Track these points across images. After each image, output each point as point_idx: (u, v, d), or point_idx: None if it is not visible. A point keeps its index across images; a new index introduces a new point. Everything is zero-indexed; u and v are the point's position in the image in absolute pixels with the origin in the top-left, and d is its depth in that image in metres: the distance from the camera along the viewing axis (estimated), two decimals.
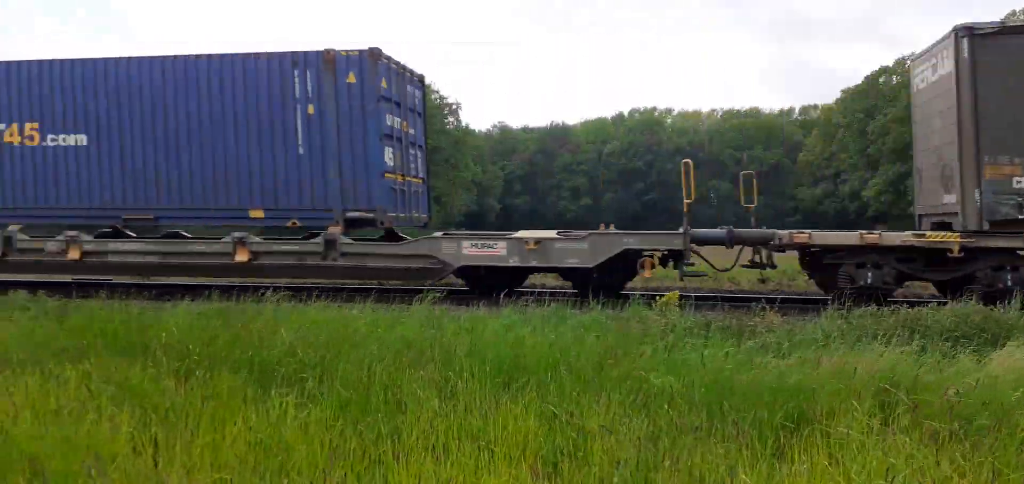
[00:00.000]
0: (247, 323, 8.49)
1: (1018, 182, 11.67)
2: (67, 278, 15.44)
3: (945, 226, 12.67)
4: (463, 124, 60.22)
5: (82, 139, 14.49)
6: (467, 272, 13.99)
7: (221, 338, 7.79)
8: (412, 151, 15.28)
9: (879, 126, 55.31)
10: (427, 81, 16.73)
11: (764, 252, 13.08)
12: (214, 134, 14.10)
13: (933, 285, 13.32)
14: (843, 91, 63.79)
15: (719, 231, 13.23)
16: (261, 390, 6.12)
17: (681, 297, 11.85)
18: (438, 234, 13.87)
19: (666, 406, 5.53)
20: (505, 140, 77.41)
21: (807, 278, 14.28)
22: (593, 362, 6.72)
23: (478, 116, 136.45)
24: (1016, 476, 4.51)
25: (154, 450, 4.75)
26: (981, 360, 7.04)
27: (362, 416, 5.45)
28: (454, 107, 58.22)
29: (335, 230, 13.72)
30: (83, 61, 14.52)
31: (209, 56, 14.10)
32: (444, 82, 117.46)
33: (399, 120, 14.55)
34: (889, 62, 65.85)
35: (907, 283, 13.21)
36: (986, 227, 11.74)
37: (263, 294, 11.57)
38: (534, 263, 13.25)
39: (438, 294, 11.83)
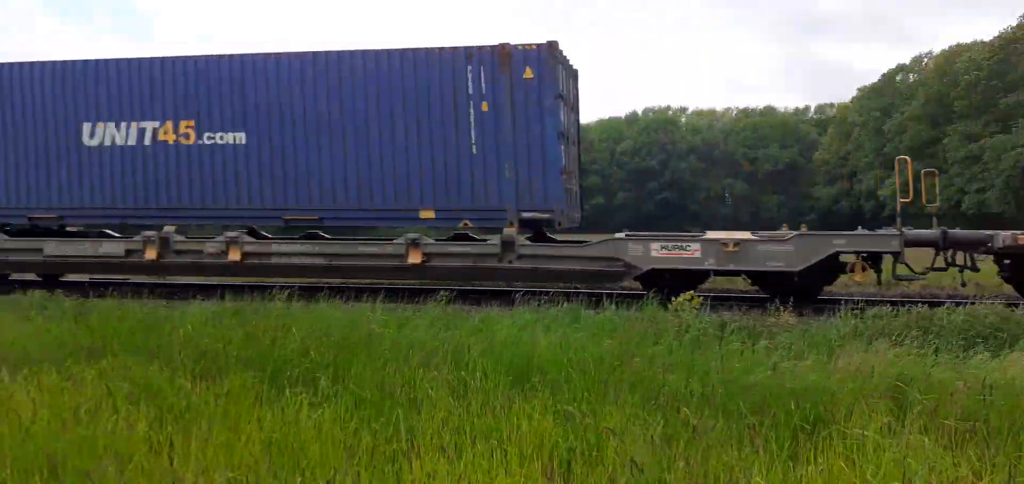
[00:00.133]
0: (260, 323, 8.54)
1: None
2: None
3: None
4: None
5: (240, 137, 14.04)
6: (650, 275, 13.09)
7: (235, 338, 7.83)
8: (573, 149, 14.85)
9: (896, 124, 54.88)
10: None
11: (969, 255, 12.27)
12: (381, 132, 13.62)
13: None
14: (859, 89, 63.31)
15: (933, 232, 12.41)
16: (275, 389, 6.15)
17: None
18: (621, 235, 13.24)
19: (681, 407, 5.50)
20: None
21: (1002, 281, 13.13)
22: (608, 362, 6.70)
23: None
24: None
25: (170, 449, 4.78)
26: (998, 360, 6.96)
27: (376, 415, 5.47)
28: None
29: (511, 231, 13.21)
30: (242, 57, 14.10)
31: (376, 51, 13.65)
32: None
33: (567, 117, 14.09)
34: (906, 60, 65.28)
35: None
36: None
37: (272, 293, 11.61)
38: (731, 266, 12.50)
39: (448, 294, 11.77)
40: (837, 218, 57.48)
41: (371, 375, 6.38)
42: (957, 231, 12.59)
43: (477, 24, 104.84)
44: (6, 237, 14.94)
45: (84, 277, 15.96)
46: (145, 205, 14.43)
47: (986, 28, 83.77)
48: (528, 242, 13.44)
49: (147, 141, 14.29)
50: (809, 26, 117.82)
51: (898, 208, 12.57)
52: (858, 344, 7.74)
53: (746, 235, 12.94)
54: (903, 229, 12.27)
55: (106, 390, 5.92)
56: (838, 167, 63.98)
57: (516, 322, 9.42)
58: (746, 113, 76.94)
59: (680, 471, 4.40)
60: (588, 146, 74.44)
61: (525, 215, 13.33)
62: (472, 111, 13.32)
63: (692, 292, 10.14)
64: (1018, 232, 12.08)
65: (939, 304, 10.04)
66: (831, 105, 74.79)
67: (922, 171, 13.38)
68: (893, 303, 10.46)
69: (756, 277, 12.97)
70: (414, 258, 13.44)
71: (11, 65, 14.84)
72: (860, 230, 12.98)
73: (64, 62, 14.62)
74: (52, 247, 14.70)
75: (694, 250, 12.60)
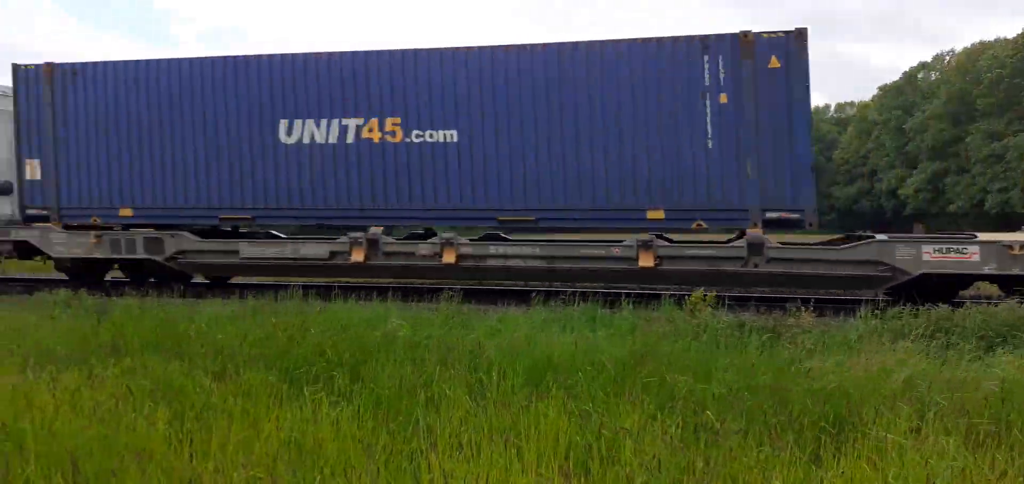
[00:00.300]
0: (278, 321, 8.60)
1: None
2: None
3: None
4: None
5: (452, 135, 13.31)
6: (918, 281, 11.92)
7: (253, 336, 7.90)
8: None
9: (918, 123, 54.32)
10: None
11: None
12: (606, 127, 12.78)
13: None
14: (880, 88, 62.71)
15: None
16: (292, 388, 6.20)
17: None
18: (883, 237, 12.20)
19: (700, 408, 5.48)
20: None
21: None
22: (625, 362, 6.68)
23: None
24: None
25: (190, 446, 4.83)
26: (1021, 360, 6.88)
27: (393, 414, 5.49)
28: None
29: (757, 232, 12.33)
30: (454, 51, 13.44)
31: (601, 42, 12.85)
32: None
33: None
34: (928, 58, 64.57)
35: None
36: None
37: (288, 292, 11.67)
38: (1017, 271, 11.39)
39: (456, 294, 11.75)
40: (857, 218, 56.98)
41: (388, 374, 6.40)
42: None
43: (477, 24, 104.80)
44: (197, 238, 14.31)
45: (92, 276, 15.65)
46: (347, 206, 13.76)
47: (1009, 26, 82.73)
48: (779, 245, 12.47)
49: (349, 139, 13.62)
50: (827, 24, 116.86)
51: None
52: (878, 344, 7.68)
53: None
54: None
55: (127, 388, 5.99)
56: (858, 166, 63.39)
57: (533, 321, 9.43)
58: None
59: (699, 472, 4.38)
60: None
61: (770, 215, 12.37)
62: (708, 104, 12.43)
63: (702, 290, 10.00)
64: None
65: (959, 305, 9.93)
66: (851, 103, 74.16)
67: None
68: (913, 304, 10.36)
69: None
70: (645, 261, 12.60)
71: (201, 60, 14.33)
72: None
73: (259, 56, 14.05)
74: (249, 249, 14.14)
75: (972, 253, 11.53)
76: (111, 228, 14.62)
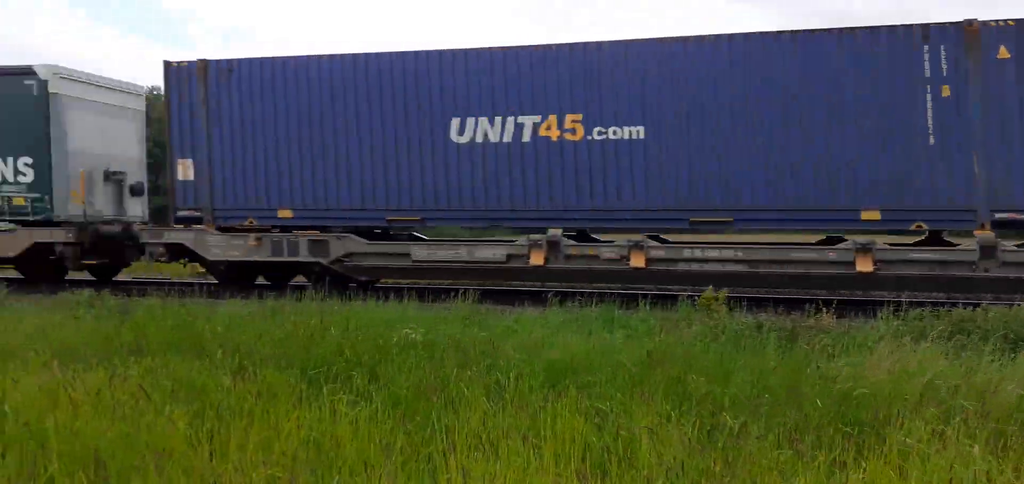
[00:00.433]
0: (298, 321, 8.65)
1: None
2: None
3: None
4: None
5: (638, 131, 12.62)
6: None
7: (272, 336, 7.95)
8: None
9: None
10: None
11: None
12: (814, 121, 12.07)
13: None
14: None
15: None
16: (311, 387, 6.23)
17: (730, 298, 11.29)
18: None
19: (718, 410, 5.45)
20: None
21: None
22: (642, 363, 6.66)
23: None
24: None
25: (211, 443, 4.87)
26: None
27: (411, 415, 5.51)
28: None
29: (987, 234, 11.51)
30: (641, 42, 12.79)
31: (810, 32, 12.24)
32: None
33: None
34: None
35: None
36: None
37: (305, 292, 11.72)
38: None
39: (475, 293, 11.70)
40: None
41: (406, 375, 6.43)
42: None
43: (477, 24, 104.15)
44: (365, 241, 13.93)
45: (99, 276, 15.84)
46: (523, 207, 13.21)
47: None
48: (1015, 248, 11.63)
49: (525, 137, 13.05)
50: (838, 22, 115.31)
51: None
52: (899, 346, 7.59)
53: None
54: None
55: (149, 387, 6.05)
56: None
57: (549, 322, 9.42)
58: None
59: (717, 475, 4.35)
60: None
61: (1000, 216, 11.56)
62: (929, 97, 11.63)
63: (712, 289, 9.83)
64: None
65: (977, 305, 9.80)
66: None
67: None
68: (934, 304, 10.24)
69: None
70: (863, 266, 11.75)
71: (365, 55, 13.81)
72: None
73: (429, 52, 13.57)
74: (421, 251, 13.67)
75: None
76: (268, 230, 14.23)
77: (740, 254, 12.40)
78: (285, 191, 14.04)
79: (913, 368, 6.34)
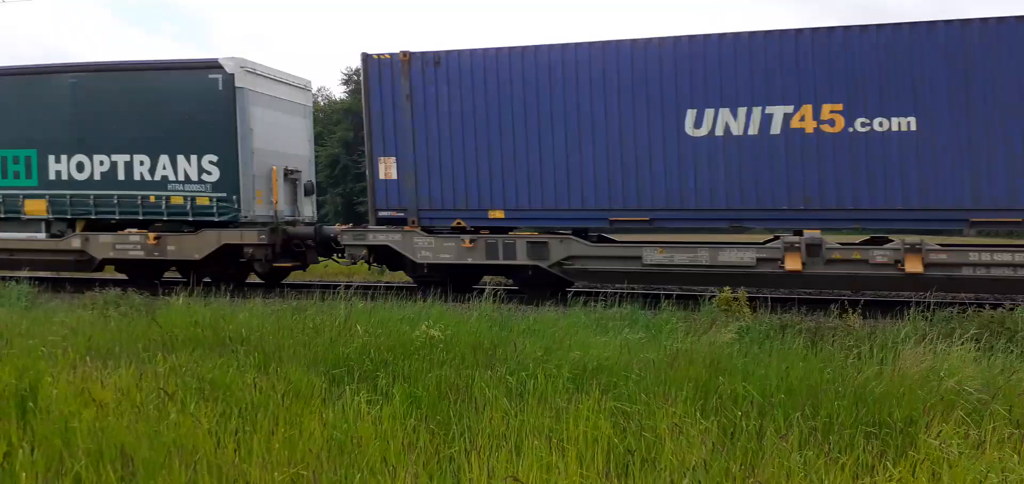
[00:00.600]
0: (322, 321, 8.70)
1: None
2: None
3: None
4: None
5: (908, 122, 11.49)
6: None
7: (296, 335, 8.01)
8: None
9: None
10: None
11: None
12: None
13: None
14: None
15: None
16: (334, 386, 6.27)
17: (751, 298, 10.77)
18: None
19: (740, 411, 5.40)
20: None
21: None
22: (665, 364, 6.62)
23: None
24: None
25: (235, 443, 4.92)
26: None
27: (433, 413, 5.52)
28: None
29: None
30: (911, 26, 11.65)
31: None
32: None
33: None
34: None
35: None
36: None
37: (335, 292, 11.75)
38: None
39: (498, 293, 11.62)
40: None
41: (429, 374, 6.44)
42: None
43: (477, 23, 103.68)
44: (587, 243, 13.10)
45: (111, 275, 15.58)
46: (772, 206, 12.12)
47: None
48: None
49: (775, 130, 11.99)
50: (869, 16, 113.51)
51: None
52: (927, 347, 7.47)
53: None
54: None
55: (175, 386, 6.12)
56: None
57: (572, 323, 9.39)
58: None
59: (740, 477, 4.31)
60: None
61: None
62: None
63: (729, 289, 9.68)
64: None
65: (998, 306, 9.63)
66: None
67: None
68: (962, 305, 10.07)
69: None
70: None
71: (589, 44, 12.85)
72: None
73: (661, 39, 12.57)
74: (655, 254, 12.53)
75: None
76: (478, 231, 13.47)
77: None
78: (497, 190, 13.24)
79: (942, 370, 6.22)
